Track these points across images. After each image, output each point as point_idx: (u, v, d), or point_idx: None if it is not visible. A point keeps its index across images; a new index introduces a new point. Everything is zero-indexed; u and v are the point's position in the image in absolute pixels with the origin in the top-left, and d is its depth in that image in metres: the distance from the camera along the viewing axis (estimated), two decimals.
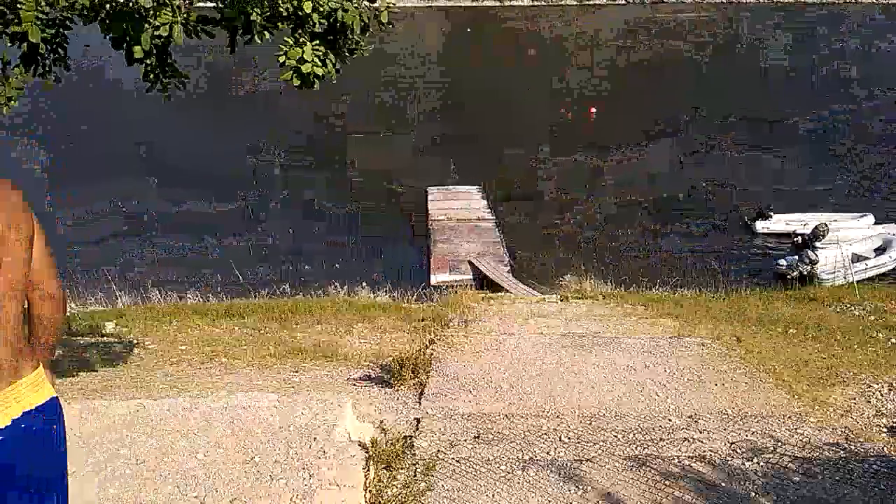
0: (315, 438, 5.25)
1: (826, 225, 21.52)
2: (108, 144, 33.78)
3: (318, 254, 22.87)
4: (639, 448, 6.30)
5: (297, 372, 8.44)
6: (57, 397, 2.88)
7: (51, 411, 2.83)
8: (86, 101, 37.42)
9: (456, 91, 42.45)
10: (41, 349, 2.89)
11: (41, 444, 2.77)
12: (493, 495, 5.49)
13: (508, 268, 21.60)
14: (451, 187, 29.28)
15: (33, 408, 2.75)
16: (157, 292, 13.06)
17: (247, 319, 10.74)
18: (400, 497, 5.08)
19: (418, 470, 5.52)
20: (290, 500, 4.62)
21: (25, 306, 2.76)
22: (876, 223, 23.48)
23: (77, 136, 34.50)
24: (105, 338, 9.89)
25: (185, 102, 39.33)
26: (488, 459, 6.04)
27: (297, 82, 6.06)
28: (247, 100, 40.78)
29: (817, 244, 20.96)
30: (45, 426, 2.80)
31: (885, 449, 6.34)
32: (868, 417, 7.30)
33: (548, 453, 6.24)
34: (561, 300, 12.82)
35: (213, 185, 28.94)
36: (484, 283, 20.66)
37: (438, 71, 44.64)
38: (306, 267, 21.16)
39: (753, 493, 5.41)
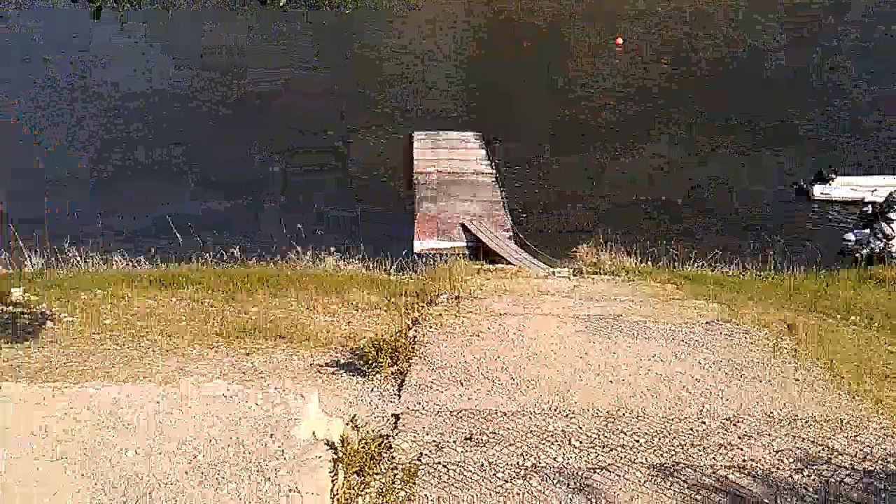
0: (272, 436, 5.30)
1: None
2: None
3: (276, 212, 22.78)
4: (665, 455, 6.41)
5: (249, 355, 8.48)
6: None
7: None
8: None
9: (461, 40, 42.36)
10: None
11: None
12: None
13: (510, 234, 21.62)
14: (441, 132, 29.14)
15: None
16: (76, 253, 13.00)
17: (187, 289, 10.74)
18: None
19: (397, 476, 5.59)
20: None
21: None
22: None
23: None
24: (11, 308, 9.87)
25: (154, 49, 39.81)
26: (482, 465, 6.12)
27: None
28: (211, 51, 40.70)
29: (892, 215, 21.08)
30: None
31: None
32: None
33: (555, 459, 6.34)
34: (574, 275, 12.88)
35: (152, 131, 28.91)
36: (480, 251, 20.69)
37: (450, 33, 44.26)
38: (261, 228, 21.09)
39: None
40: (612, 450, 6.51)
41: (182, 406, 5.64)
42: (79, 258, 12.91)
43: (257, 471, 4.96)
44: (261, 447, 5.18)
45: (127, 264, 12.74)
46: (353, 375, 7.99)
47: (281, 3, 6.23)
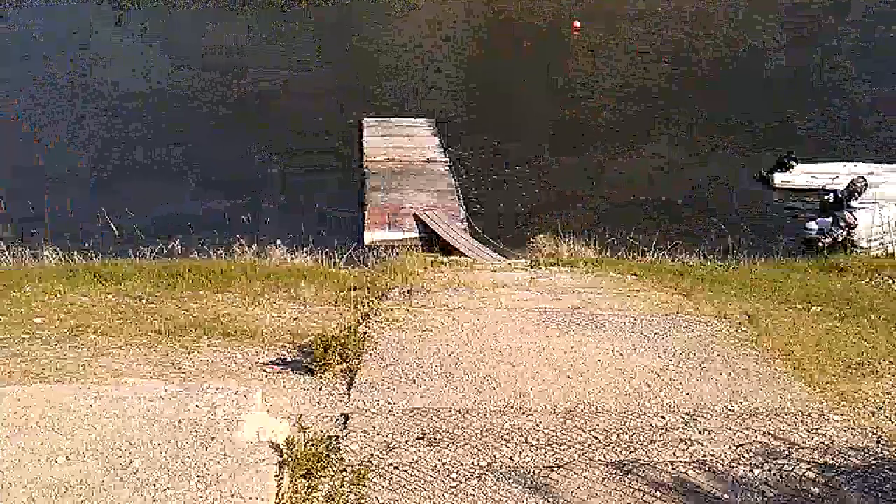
0: (213, 438, 5.24)
1: (863, 179, 22.08)
2: None
3: (219, 203, 22.56)
4: (624, 452, 6.47)
5: (189, 353, 8.38)
6: None
7: None
8: None
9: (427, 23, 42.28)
10: None
11: None
12: None
13: (465, 224, 21.67)
14: (393, 119, 29.10)
15: None
16: (3, 248, 12.77)
17: (124, 285, 10.59)
18: None
19: (346, 479, 5.56)
20: None
21: None
22: None
23: None
24: None
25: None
26: (436, 466, 6.12)
27: None
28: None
29: (854, 203, 21.50)
30: None
31: None
32: None
33: (511, 458, 6.36)
34: (531, 266, 12.94)
35: (91, 118, 28.58)
36: (433, 243, 20.72)
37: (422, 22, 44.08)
38: (203, 219, 20.85)
39: None
40: (569, 447, 6.55)
41: (117, 409, 5.54)
42: (6, 253, 12.65)
43: (197, 476, 4.90)
44: (201, 450, 5.11)
45: (59, 258, 12.51)
46: (301, 374, 7.94)
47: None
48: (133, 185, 24.11)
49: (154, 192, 23.56)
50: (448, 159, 26.08)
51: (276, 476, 5.02)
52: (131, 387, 5.92)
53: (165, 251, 13.14)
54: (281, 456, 5.19)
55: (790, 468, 6.09)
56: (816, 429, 6.96)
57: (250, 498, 4.78)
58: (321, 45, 39.74)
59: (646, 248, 14.49)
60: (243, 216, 18.86)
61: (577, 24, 40.51)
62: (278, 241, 13.73)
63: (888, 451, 6.61)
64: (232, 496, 4.78)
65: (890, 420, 7.45)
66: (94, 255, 12.73)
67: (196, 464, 5.00)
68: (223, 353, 8.45)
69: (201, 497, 4.76)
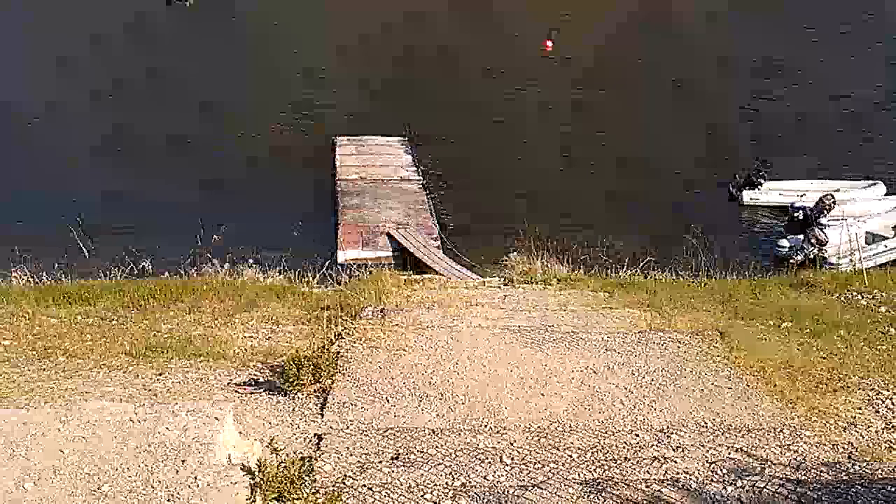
0: (184, 461, 5.18)
1: (832, 196, 22.26)
2: None
3: (190, 221, 22.36)
4: (598, 470, 6.47)
5: (161, 375, 8.30)
6: None
7: None
8: None
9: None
10: None
11: None
12: None
13: (438, 242, 21.60)
14: (366, 137, 29.03)
15: None
16: None
17: (95, 306, 10.48)
18: None
19: (319, 500, 5.51)
20: None
21: None
22: (888, 194, 24.49)
23: None
24: None
25: None
26: (410, 486, 6.09)
27: None
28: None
29: (823, 220, 21.67)
30: None
31: None
32: (876, 431, 7.67)
33: (485, 478, 6.33)
34: (505, 284, 12.94)
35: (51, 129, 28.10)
36: (407, 261, 20.63)
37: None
38: (173, 239, 20.67)
39: None
40: (543, 466, 6.54)
41: (86, 431, 5.47)
42: None
43: (167, 499, 4.84)
44: (171, 474, 5.06)
45: (29, 280, 12.36)
46: (273, 394, 7.88)
47: (189, 3, 6.23)
48: (102, 205, 23.81)
49: (124, 212, 23.29)
50: (421, 177, 26.06)
51: (248, 499, 4.97)
52: (101, 409, 5.84)
53: (136, 271, 13.01)
54: (253, 478, 5.14)
55: (763, 484, 6.11)
56: (788, 444, 7.00)
57: None
58: (290, 62, 39.65)
59: (619, 266, 14.54)
60: (215, 235, 18.69)
61: (549, 43, 40.69)
62: (251, 261, 13.66)
63: (860, 466, 6.65)
64: None
65: (861, 435, 7.52)
66: (63, 275, 12.58)
67: (166, 487, 4.95)
68: (195, 375, 8.37)
69: None
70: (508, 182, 26.60)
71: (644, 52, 36.26)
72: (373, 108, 30.90)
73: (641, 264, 14.36)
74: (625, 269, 14.22)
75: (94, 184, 25.38)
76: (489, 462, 6.58)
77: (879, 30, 39.60)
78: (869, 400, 8.26)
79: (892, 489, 6.11)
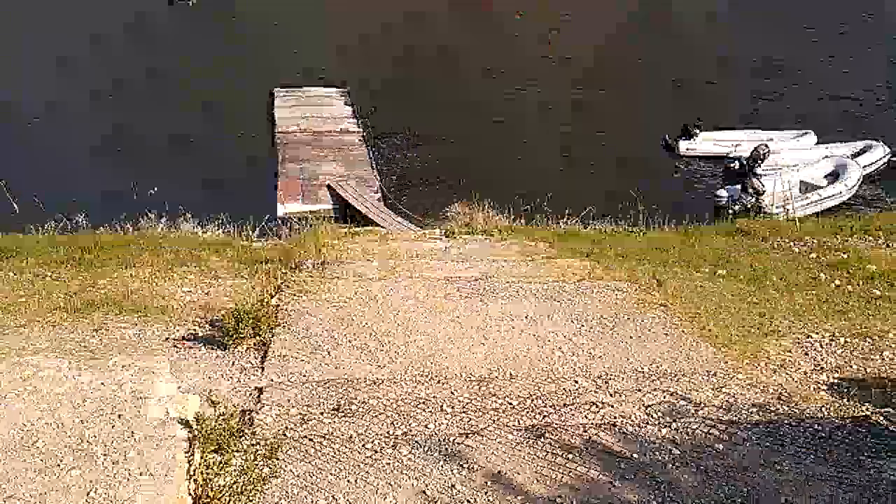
0: (120, 416, 5.13)
1: (766, 146, 22.70)
2: None
3: (126, 176, 21.97)
4: (537, 417, 6.56)
5: (97, 331, 8.18)
6: None
7: None
8: None
9: None
10: None
11: None
12: (355, 480, 5.58)
13: (379, 195, 21.58)
14: (304, 89, 28.73)
15: None
16: None
17: (27, 261, 10.25)
18: (235, 487, 5.06)
19: (259, 452, 5.50)
20: (87, 496, 4.51)
21: None
22: (819, 143, 25.02)
23: None
24: None
25: None
26: (350, 436, 6.11)
27: None
28: None
29: (758, 170, 22.10)
30: None
31: (825, 410, 6.89)
32: (805, 373, 7.91)
33: (426, 427, 6.39)
34: (446, 236, 12.96)
35: None
36: (347, 214, 20.59)
37: None
38: (108, 193, 20.29)
39: (670, 465, 5.78)
40: (484, 414, 6.62)
41: (19, 389, 5.38)
42: None
43: (104, 454, 4.79)
44: (107, 428, 5.00)
45: None
46: (213, 348, 7.83)
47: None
48: (34, 158, 23.27)
49: (57, 165, 22.81)
50: (362, 130, 25.88)
51: (187, 452, 4.94)
52: (35, 365, 5.74)
53: (70, 226, 12.74)
54: (191, 432, 5.11)
55: (696, 426, 6.27)
56: (721, 387, 7.18)
57: (160, 475, 4.70)
58: (228, 14, 38.88)
59: (559, 216, 14.64)
60: (151, 190, 18.39)
61: (520, 12, 40.51)
62: (188, 215, 13.44)
63: (788, 406, 6.86)
64: (140, 474, 4.69)
65: (790, 377, 7.74)
66: None
67: (102, 442, 4.90)
68: (132, 330, 8.26)
69: (108, 476, 4.66)
70: (451, 136, 26.56)
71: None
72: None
73: (582, 215, 14.49)
74: (565, 219, 14.33)
75: (23, 137, 24.76)
76: (430, 411, 6.64)
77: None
78: (798, 343, 8.50)
79: (819, 427, 6.32)
